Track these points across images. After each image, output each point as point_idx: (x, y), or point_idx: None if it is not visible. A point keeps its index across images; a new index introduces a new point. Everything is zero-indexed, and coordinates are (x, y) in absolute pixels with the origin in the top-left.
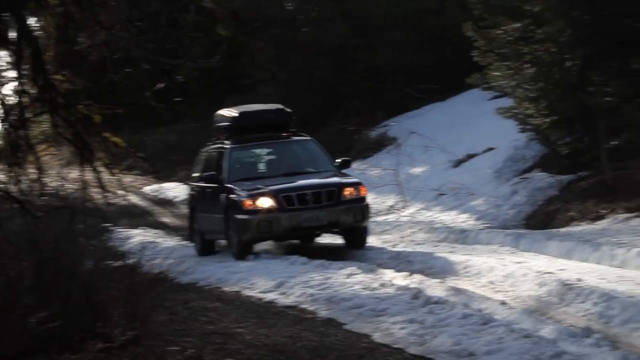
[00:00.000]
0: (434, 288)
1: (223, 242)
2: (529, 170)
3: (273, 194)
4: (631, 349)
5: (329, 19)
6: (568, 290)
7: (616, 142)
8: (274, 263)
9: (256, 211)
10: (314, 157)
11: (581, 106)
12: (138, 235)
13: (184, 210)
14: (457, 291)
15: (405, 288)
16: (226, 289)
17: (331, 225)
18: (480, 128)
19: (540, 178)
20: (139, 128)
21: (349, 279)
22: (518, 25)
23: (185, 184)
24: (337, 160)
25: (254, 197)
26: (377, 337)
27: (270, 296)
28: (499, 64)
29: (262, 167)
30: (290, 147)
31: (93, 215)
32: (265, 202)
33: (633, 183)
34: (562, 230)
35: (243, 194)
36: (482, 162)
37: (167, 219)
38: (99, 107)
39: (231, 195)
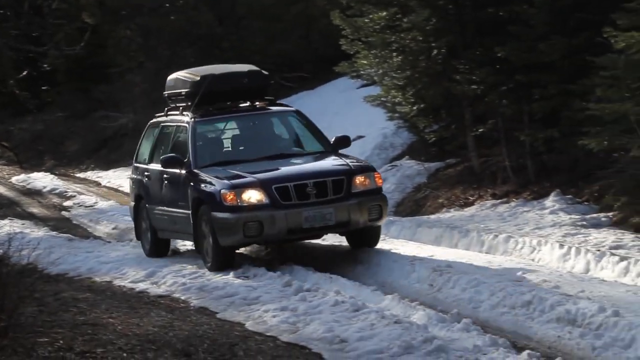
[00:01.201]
0: (306, 276)
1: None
2: (397, 158)
3: (263, 185)
4: (500, 333)
5: (195, 7)
6: (438, 276)
7: (482, 130)
8: None
9: (241, 207)
10: (302, 134)
11: (447, 94)
12: (5, 226)
13: (53, 200)
14: (329, 278)
15: (277, 276)
16: (97, 279)
17: (340, 225)
18: (349, 116)
19: (409, 165)
20: (4, 117)
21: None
22: (384, 14)
23: (53, 173)
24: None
25: (237, 188)
26: (249, 325)
27: (141, 286)
28: (366, 52)
29: (236, 147)
30: (271, 120)
31: None
32: (253, 196)
33: (498, 170)
34: (432, 217)
35: (221, 184)
36: (351, 150)
37: (35, 209)
38: None
39: (203, 186)
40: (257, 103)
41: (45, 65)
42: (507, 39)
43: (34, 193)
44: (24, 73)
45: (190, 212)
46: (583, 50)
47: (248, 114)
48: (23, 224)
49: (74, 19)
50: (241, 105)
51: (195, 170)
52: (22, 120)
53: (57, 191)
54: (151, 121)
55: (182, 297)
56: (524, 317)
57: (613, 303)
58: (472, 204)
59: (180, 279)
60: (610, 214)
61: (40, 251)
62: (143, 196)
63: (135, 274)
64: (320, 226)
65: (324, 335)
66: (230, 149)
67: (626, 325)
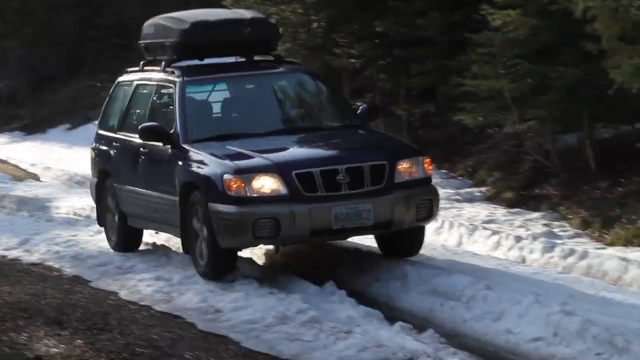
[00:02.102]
0: (180, 246)
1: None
2: None
3: (280, 170)
4: (374, 305)
5: None
6: (316, 247)
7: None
8: (20, 219)
9: (250, 199)
10: (320, 101)
11: (327, 67)
12: None
13: None
14: None
15: (153, 246)
16: None
17: (380, 226)
18: None
19: None
20: None
21: (95, 237)
22: None
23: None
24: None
25: (245, 173)
26: (123, 294)
27: (14, 253)
28: None
29: (237, 116)
30: (281, 82)
31: None
32: (266, 184)
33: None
34: None
35: (222, 166)
36: None
37: None
38: None
39: (196, 167)
40: (261, 59)
41: None
42: (387, 13)
43: None
44: None
45: (177, 199)
46: (461, 26)
47: (251, 73)
48: None
49: None
50: (241, 61)
51: (185, 146)
52: None
53: None
54: (120, 78)
55: (56, 265)
56: (398, 290)
57: (484, 276)
58: None
59: (54, 247)
60: (483, 188)
61: None
62: (110, 172)
63: (7, 241)
64: (355, 227)
65: (198, 305)
66: (229, 118)
67: (496, 299)
